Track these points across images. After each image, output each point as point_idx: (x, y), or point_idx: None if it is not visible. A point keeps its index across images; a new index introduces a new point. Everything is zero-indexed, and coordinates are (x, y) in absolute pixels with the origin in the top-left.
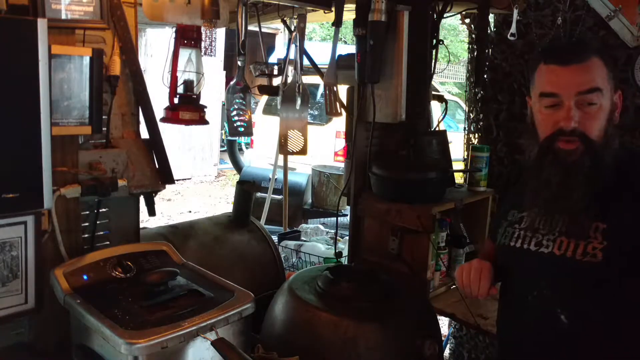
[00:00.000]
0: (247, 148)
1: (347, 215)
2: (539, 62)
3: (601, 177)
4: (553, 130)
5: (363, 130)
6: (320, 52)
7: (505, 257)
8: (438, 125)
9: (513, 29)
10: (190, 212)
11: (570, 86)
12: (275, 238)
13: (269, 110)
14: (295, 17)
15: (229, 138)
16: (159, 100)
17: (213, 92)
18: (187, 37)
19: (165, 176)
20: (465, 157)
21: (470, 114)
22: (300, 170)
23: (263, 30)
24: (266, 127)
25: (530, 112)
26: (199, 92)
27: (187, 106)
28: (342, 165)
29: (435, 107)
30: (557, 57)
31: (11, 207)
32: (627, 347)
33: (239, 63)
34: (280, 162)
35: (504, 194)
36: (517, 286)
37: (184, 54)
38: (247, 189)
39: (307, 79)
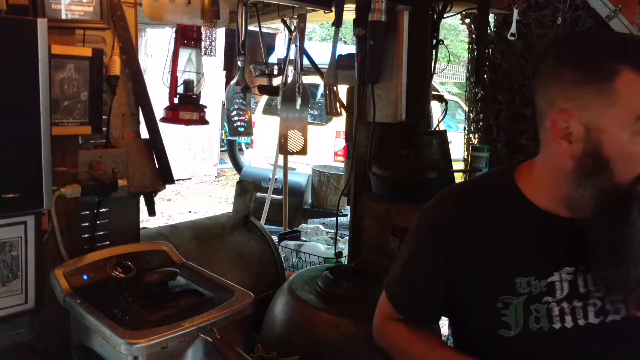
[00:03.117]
0: (247, 148)
1: (347, 215)
2: (622, 66)
3: None
4: None
5: (363, 130)
6: (320, 52)
7: (548, 349)
8: (438, 125)
9: (513, 29)
10: (190, 212)
11: None
12: (275, 238)
13: (269, 110)
14: (295, 17)
15: (229, 138)
16: (159, 100)
17: (213, 92)
18: (187, 37)
19: (165, 176)
20: (465, 157)
21: (470, 114)
22: (300, 170)
23: (263, 30)
24: (266, 127)
25: (591, 137)
26: (199, 92)
27: (187, 106)
28: (342, 165)
29: (435, 107)
30: None
31: (11, 207)
32: None
33: (239, 63)
34: (280, 162)
35: (460, 255)
36: None
37: (184, 54)
38: (247, 189)
39: (307, 79)
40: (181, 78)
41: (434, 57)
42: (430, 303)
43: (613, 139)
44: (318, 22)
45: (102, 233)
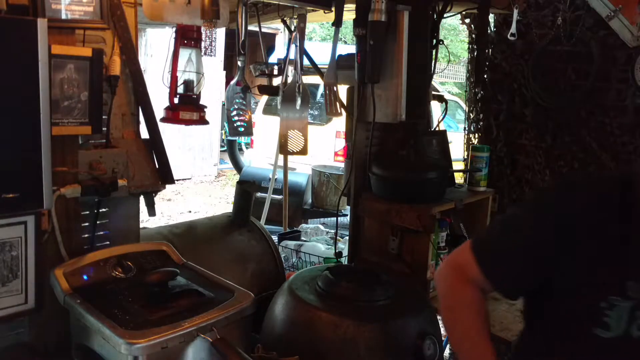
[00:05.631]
0: (247, 148)
1: (347, 215)
2: None
3: None
4: None
5: (363, 130)
6: (320, 52)
7: (637, 358)
8: (438, 125)
9: (513, 29)
10: (190, 212)
11: None
12: (275, 238)
13: (269, 110)
14: (295, 17)
15: (229, 138)
16: (159, 100)
17: (213, 92)
18: (187, 37)
19: (165, 176)
20: (465, 157)
21: (470, 114)
22: (300, 170)
23: (263, 30)
24: (266, 127)
25: None
26: (199, 92)
27: (187, 106)
28: (342, 165)
29: (435, 107)
30: None
31: (11, 207)
32: None
33: (239, 63)
34: (280, 162)
35: (581, 245)
36: None
37: (184, 54)
38: (247, 189)
39: (307, 79)
40: (181, 78)
41: (434, 57)
42: (520, 277)
43: None
44: (318, 22)
45: (102, 233)
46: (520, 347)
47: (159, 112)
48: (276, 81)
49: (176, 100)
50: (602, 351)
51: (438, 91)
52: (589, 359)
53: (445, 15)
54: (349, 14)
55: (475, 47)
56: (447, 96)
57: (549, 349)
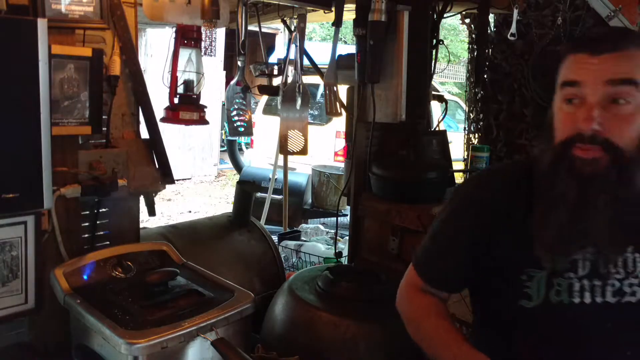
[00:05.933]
0: (247, 148)
1: (347, 215)
2: (567, 53)
3: (634, 196)
4: (571, 133)
5: (363, 130)
6: (320, 52)
7: (565, 321)
8: (438, 125)
9: (513, 29)
10: (190, 212)
11: (597, 74)
12: (275, 238)
13: (269, 110)
14: (295, 17)
15: (229, 138)
16: (159, 100)
17: (213, 92)
18: (187, 37)
19: (165, 176)
20: (465, 157)
21: (470, 114)
22: (300, 170)
23: (263, 30)
24: (266, 127)
25: (551, 113)
26: (199, 92)
27: (187, 106)
28: (342, 165)
29: (435, 107)
30: (587, 45)
31: (11, 207)
32: None
33: (239, 63)
34: (280, 162)
35: (495, 227)
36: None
37: (184, 54)
38: (247, 189)
39: (307, 79)
40: (181, 78)
41: (434, 57)
42: (452, 270)
43: (554, 109)
44: (318, 22)
45: (102, 233)
46: (471, 333)
47: (159, 112)
48: (276, 81)
49: (176, 100)
50: (528, 320)
51: (438, 91)
52: (518, 329)
53: (445, 15)
54: (349, 14)
55: (475, 47)
56: (447, 96)
57: (487, 328)
